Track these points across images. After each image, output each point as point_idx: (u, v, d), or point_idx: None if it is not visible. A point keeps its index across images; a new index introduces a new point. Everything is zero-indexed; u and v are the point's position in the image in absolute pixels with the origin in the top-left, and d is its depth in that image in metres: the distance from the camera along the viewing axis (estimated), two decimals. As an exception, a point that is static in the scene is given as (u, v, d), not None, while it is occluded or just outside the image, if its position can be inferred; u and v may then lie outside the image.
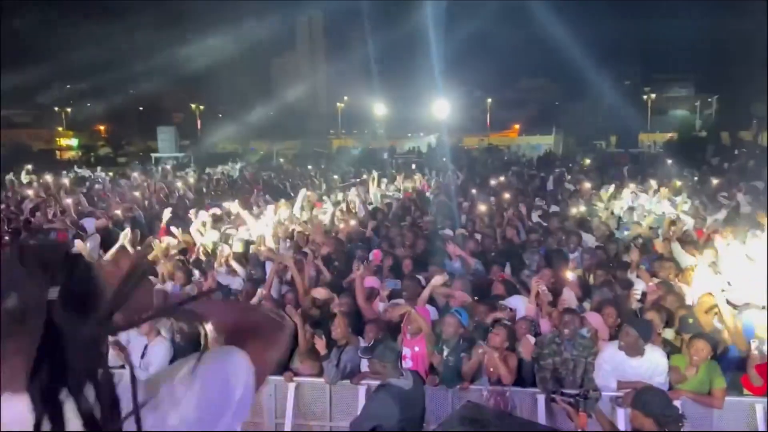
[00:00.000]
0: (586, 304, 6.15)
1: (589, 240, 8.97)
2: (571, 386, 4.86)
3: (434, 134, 47.29)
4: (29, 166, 21.61)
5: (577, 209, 11.13)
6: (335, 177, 21.46)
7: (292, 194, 15.34)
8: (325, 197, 13.98)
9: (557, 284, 6.41)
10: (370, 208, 12.48)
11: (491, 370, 5.06)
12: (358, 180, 18.71)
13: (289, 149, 47.85)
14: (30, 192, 15.17)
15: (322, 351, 5.36)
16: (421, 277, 6.77)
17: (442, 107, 44.91)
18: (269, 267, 7.70)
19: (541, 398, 4.97)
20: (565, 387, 4.80)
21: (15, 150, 40.29)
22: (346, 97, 68.06)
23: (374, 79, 59.98)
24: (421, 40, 49.66)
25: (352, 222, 10.83)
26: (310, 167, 26.52)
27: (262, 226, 10.25)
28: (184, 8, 79.56)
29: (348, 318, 5.66)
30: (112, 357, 5.51)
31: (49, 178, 19.21)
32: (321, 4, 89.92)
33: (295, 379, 5.36)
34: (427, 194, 14.86)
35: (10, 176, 19.09)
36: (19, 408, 0.90)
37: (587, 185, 14.79)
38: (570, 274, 6.46)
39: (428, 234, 9.62)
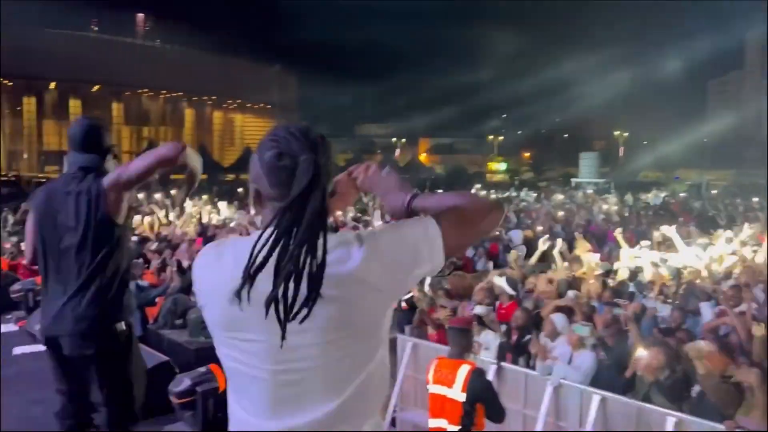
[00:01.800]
0: None
1: None
2: None
3: None
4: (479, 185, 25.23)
5: None
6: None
7: (727, 228, 13.51)
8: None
9: None
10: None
11: None
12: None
13: (720, 180, 42.37)
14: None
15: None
16: None
17: None
18: (704, 306, 6.86)
19: None
20: None
21: (455, 172, 47.60)
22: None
23: None
24: None
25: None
26: (756, 200, 22.76)
27: (693, 256, 9.41)
28: (606, 36, 79.40)
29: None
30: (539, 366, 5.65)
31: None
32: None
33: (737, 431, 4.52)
34: None
35: None
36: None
37: None
38: None
39: None
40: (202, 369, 3.87)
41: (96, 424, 2.92)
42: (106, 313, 2.76)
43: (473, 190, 24.58)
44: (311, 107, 66.70)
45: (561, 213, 15.66)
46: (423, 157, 67.01)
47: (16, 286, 7.37)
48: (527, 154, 70.41)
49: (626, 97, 65.95)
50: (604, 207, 17.27)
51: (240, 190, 24.66)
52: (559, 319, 5.93)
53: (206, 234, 11.64)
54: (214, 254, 1.31)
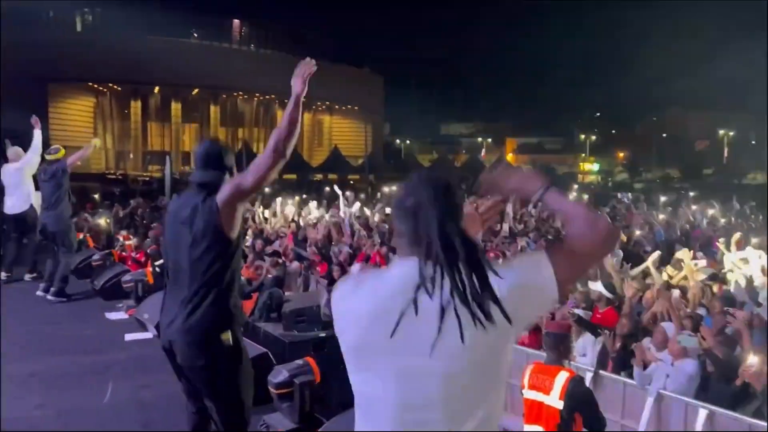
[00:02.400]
0: None
1: None
2: None
3: None
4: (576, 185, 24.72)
5: None
6: None
7: None
8: None
9: None
10: None
11: None
12: None
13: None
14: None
15: None
16: None
17: None
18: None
19: None
20: None
21: (543, 173, 46.03)
22: None
23: None
24: None
25: None
26: None
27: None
28: (707, 27, 74.21)
29: None
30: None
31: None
32: None
33: None
34: None
35: None
36: (409, 267, 1.33)
37: None
38: None
39: None
40: (300, 361, 3.96)
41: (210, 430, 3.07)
42: (213, 325, 2.87)
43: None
44: (397, 108, 67.07)
45: (662, 216, 14.89)
46: (510, 157, 65.53)
47: (126, 277, 7.90)
48: (621, 155, 67.25)
49: (732, 94, 61.31)
50: (710, 212, 16.19)
51: (327, 189, 25.16)
52: (669, 328, 5.62)
53: (298, 231, 11.98)
54: (353, 284, 1.44)
